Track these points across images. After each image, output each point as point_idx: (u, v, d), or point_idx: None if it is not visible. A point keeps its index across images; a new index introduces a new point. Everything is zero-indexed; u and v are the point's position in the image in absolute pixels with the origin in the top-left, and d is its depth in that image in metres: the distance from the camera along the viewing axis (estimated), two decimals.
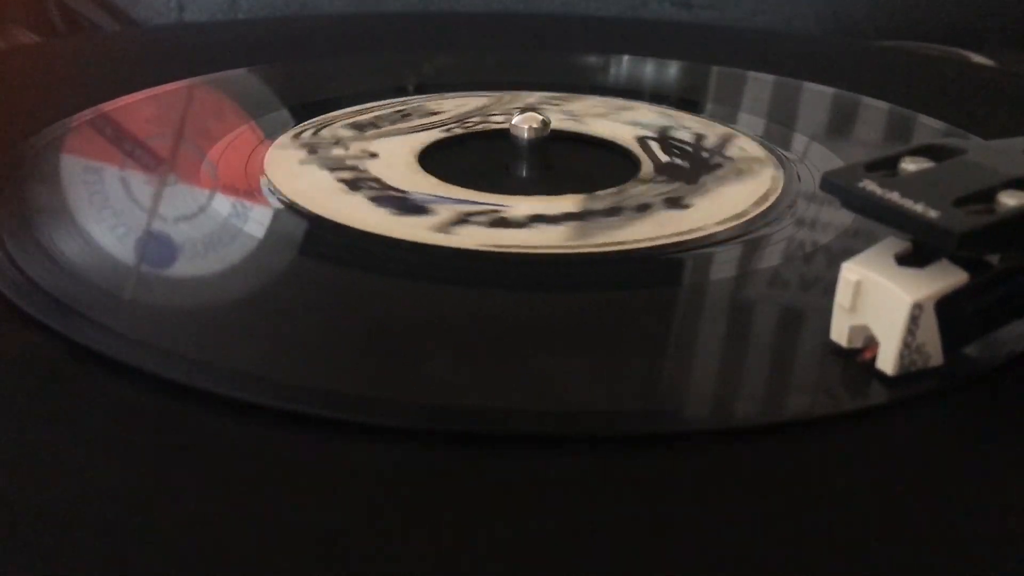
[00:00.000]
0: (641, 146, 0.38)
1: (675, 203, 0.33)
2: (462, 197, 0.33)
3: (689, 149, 0.38)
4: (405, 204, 0.33)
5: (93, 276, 0.28)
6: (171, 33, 0.59)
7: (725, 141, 0.39)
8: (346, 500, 0.20)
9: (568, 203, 0.33)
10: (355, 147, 0.37)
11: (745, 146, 0.38)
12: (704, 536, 0.20)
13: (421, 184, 0.34)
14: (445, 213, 0.32)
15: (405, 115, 0.41)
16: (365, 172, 0.35)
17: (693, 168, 0.36)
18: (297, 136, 0.38)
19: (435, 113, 0.41)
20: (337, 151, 0.37)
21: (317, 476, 0.21)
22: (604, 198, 0.33)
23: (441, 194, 0.33)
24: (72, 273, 0.28)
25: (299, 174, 0.35)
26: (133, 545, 0.19)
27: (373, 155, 0.36)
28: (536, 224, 0.31)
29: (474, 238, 0.30)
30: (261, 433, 0.22)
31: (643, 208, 0.33)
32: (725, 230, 0.31)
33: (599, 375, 0.25)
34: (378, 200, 0.33)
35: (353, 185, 0.34)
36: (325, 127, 0.39)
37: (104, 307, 0.27)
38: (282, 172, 0.35)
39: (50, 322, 0.25)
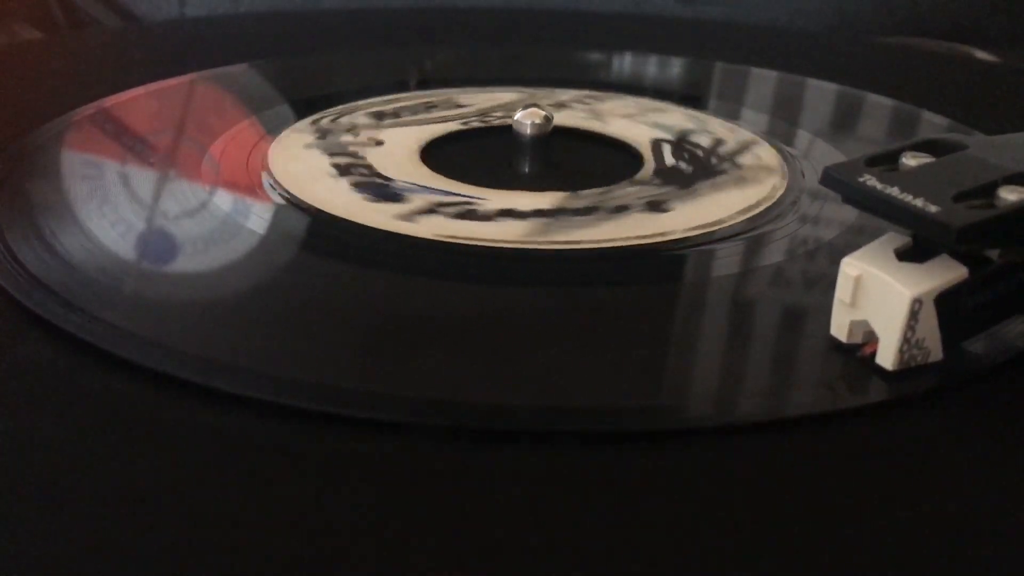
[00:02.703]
0: (652, 148, 0.38)
1: (656, 206, 0.33)
2: (443, 188, 0.33)
3: (700, 154, 0.37)
4: (383, 191, 0.33)
5: (94, 271, 0.28)
6: (173, 28, 0.59)
7: (743, 148, 0.38)
8: (343, 495, 0.20)
9: (546, 200, 0.33)
10: (364, 135, 0.38)
11: (761, 154, 0.37)
12: (702, 532, 0.20)
13: (412, 174, 0.34)
14: (417, 202, 0.32)
15: (430, 107, 0.41)
16: (362, 159, 0.35)
17: (695, 173, 0.35)
18: (315, 122, 0.39)
19: (461, 106, 0.41)
20: (345, 137, 0.37)
21: (314, 470, 0.21)
22: (586, 197, 0.33)
23: (424, 184, 0.34)
24: (73, 268, 0.28)
25: (297, 157, 0.35)
26: (133, 539, 0.19)
27: (379, 143, 0.37)
28: (503, 219, 0.31)
29: (433, 228, 0.30)
30: (255, 427, 0.22)
31: (620, 209, 0.32)
32: (726, 227, 0.31)
33: (597, 372, 0.25)
34: (360, 186, 0.33)
35: (344, 170, 0.34)
36: (345, 115, 0.39)
37: (105, 302, 0.27)
38: (283, 155, 0.36)
39: (51, 318, 0.25)
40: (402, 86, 0.44)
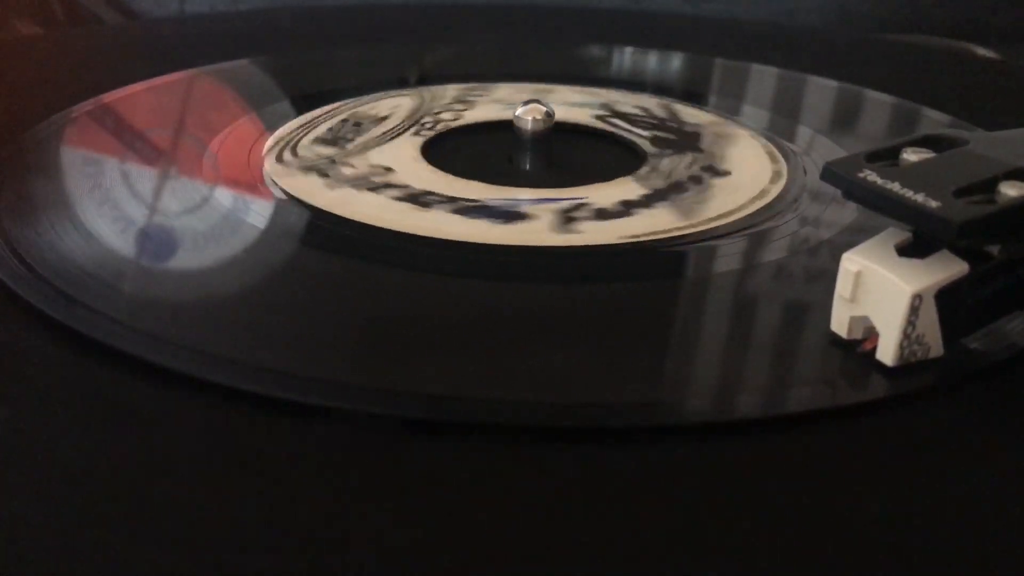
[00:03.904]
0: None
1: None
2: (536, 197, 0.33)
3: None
4: (495, 212, 0.32)
5: (94, 266, 0.28)
6: (172, 24, 0.59)
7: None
8: (344, 492, 0.20)
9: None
10: (364, 155, 0.36)
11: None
12: (701, 528, 0.20)
13: (423, 175, 0.34)
14: (546, 216, 0.31)
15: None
16: (402, 182, 0.34)
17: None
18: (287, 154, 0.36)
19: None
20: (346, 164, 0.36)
21: (317, 466, 0.21)
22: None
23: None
24: (74, 263, 0.28)
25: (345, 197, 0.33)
26: (131, 534, 0.19)
27: (387, 166, 0.35)
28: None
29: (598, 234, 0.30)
30: (261, 423, 0.22)
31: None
32: (724, 224, 0.31)
33: (598, 367, 0.25)
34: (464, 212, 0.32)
35: (418, 201, 0.33)
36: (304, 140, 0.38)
37: (105, 296, 0.26)
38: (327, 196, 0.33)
39: (52, 312, 0.25)
40: (402, 83, 0.44)
